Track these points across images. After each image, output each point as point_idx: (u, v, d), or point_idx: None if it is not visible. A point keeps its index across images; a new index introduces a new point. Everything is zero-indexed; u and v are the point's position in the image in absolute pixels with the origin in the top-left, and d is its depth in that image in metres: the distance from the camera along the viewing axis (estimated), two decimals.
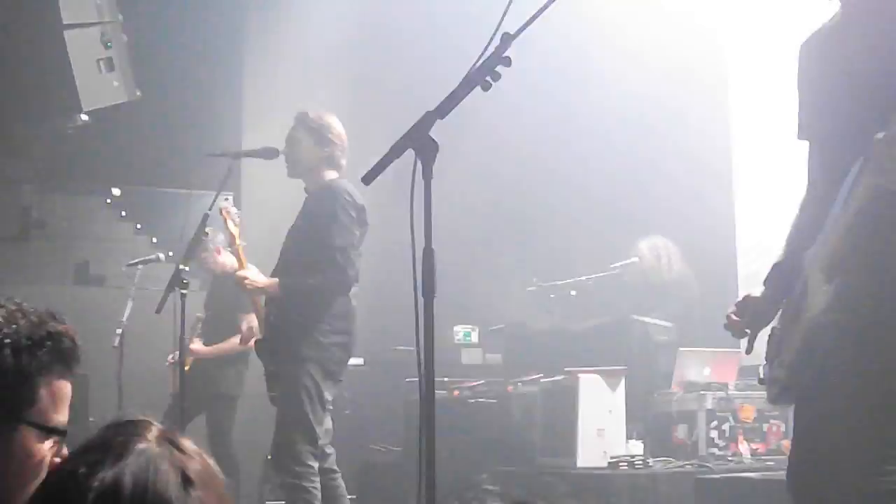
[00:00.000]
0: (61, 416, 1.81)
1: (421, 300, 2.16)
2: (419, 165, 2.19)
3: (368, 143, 4.91)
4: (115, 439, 1.36)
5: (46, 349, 1.79)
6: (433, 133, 2.22)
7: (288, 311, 4.74)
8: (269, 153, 4.84)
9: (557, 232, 8.05)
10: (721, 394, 5.49)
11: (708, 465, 5.22)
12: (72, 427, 1.85)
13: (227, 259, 6.12)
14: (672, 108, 7.46)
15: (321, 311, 4.70)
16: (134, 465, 1.31)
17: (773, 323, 2.81)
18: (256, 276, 4.77)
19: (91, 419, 6.02)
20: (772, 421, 5.47)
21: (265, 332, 4.89)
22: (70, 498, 1.30)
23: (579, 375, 5.68)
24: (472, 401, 6.63)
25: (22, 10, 6.87)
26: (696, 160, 7.44)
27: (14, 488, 1.71)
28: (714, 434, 5.41)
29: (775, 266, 2.74)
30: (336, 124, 4.93)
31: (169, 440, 1.38)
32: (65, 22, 6.26)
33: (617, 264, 6.79)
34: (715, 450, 5.38)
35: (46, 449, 1.77)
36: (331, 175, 4.86)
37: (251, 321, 5.88)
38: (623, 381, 5.71)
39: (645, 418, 5.79)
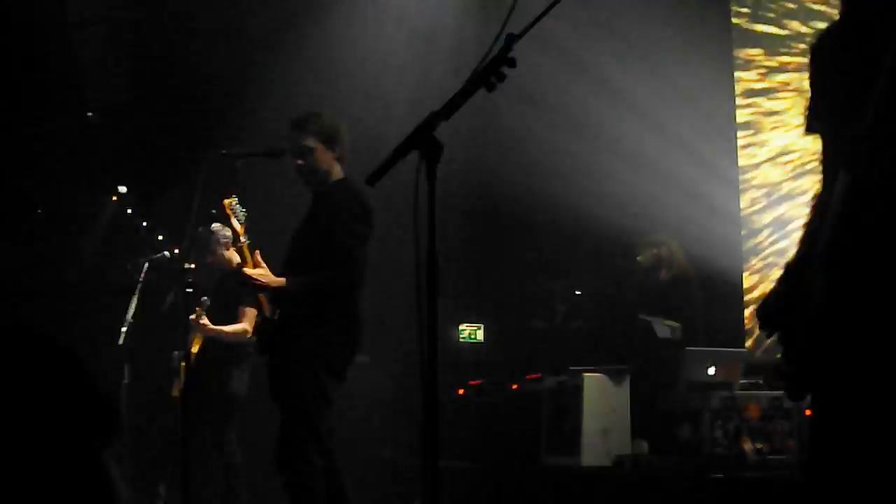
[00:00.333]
0: None
1: (424, 301, 2.16)
2: (423, 166, 2.19)
3: (369, 144, 4.94)
4: None
5: None
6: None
7: (294, 308, 4.74)
8: (274, 152, 4.82)
9: (563, 230, 8.05)
10: (726, 393, 5.49)
11: (712, 464, 5.22)
12: None
13: (233, 255, 6.14)
14: (677, 106, 7.46)
15: (327, 310, 4.70)
16: None
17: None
18: (264, 273, 4.76)
19: None
20: (776, 420, 5.47)
21: (271, 327, 4.89)
22: None
23: (584, 374, 5.69)
24: (477, 399, 6.64)
25: (27, 8, 6.90)
26: (700, 158, 7.44)
27: None
28: (719, 433, 5.41)
29: (787, 265, 2.75)
30: (338, 123, 4.92)
31: None
32: (70, 20, 6.27)
33: (622, 263, 6.80)
34: (720, 449, 5.38)
35: None
36: (337, 175, 4.86)
37: (251, 315, 5.88)
38: (628, 381, 5.71)
39: (649, 417, 5.79)
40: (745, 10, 7.76)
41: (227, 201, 4.76)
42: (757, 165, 7.58)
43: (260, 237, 4.85)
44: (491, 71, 2.22)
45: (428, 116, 2.23)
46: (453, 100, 2.25)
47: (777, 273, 2.84)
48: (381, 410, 7.30)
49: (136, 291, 6.52)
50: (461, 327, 7.72)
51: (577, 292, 7.56)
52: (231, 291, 6.02)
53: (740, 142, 7.68)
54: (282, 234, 4.97)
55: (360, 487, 5.88)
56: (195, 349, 5.96)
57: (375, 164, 2.35)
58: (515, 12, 2.31)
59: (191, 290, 4.79)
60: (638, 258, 6.62)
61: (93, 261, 8.22)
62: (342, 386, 4.79)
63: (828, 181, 2.71)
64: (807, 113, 2.78)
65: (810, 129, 2.76)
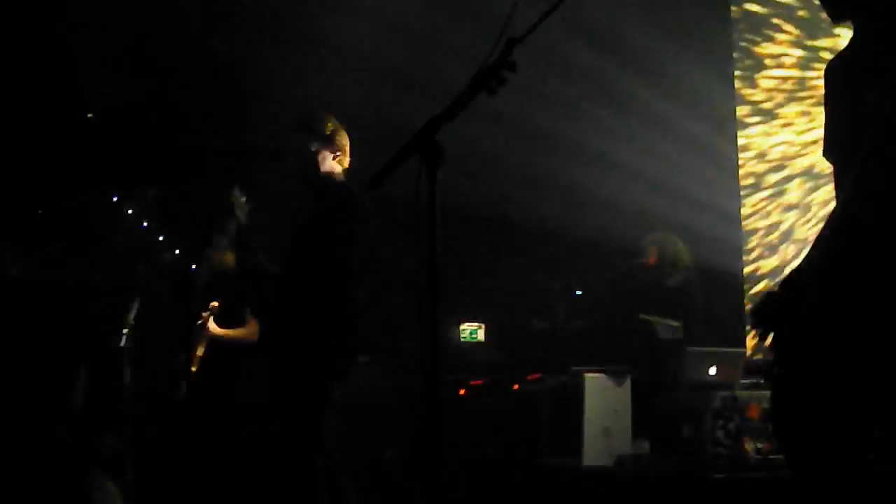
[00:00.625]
0: None
1: (426, 305, 2.16)
2: (425, 170, 2.19)
3: (370, 143, 4.93)
4: None
5: None
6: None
7: (295, 309, 4.75)
8: (274, 154, 4.83)
9: (563, 229, 8.04)
10: (727, 393, 5.49)
11: (714, 464, 5.22)
12: None
13: (232, 258, 6.14)
14: (679, 103, 7.47)
15: (327, 311, 4.70)
16: None
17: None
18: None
19: None
20: None
21: (272, 329, 4.90)
22: None
23: (585, 374, 5.69)
24: (478, 399, 6.64)
25: (28, 9, 6.89)
26: (702, 158, 7.44)
27: None
28: (720, 433, 5.41)
29: (792, 270, 2.76)
30: (339, 125, 4.93)
31: None
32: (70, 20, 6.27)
33: (623, 263, 6.79)
34: (721, 449, 5.38)
35: None
36: (337, 176, 4.86)
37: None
38: (629, 380, 5.71)
39: (651, 417, 5.79)
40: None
41: (231, 194, 4.75)
42: (757, 165, 7.59)
43: (260, 236, 4.86)
44: (492, 75, 2.22)
45: (429, 120, 2.23)
46: (454, 104, 2.26)
47: (776, 272, 2.85)
48: (381, 410, 7.29)
49: (137, 293, 6.51)
50: (462, 327, 7.71)
51: (577, 292, 7.55)
52: (236, 295, 6.04)
53: (741, 141, 7.68)
54: (281, 235, 4.97)
55: (360, 487, 5.88)
56: (200, 352, 5.97)
57: (376, 166, 2.36)
58: (515, 13, 2.31)
59: (192, 291, 4.80)
60: (641, 259, 6.61)
61: (93, 261, 8.22)
62: (345, 387, 4.80)
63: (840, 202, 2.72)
64: (824, 136, 2.80)
65: (826, 153, 2.78)
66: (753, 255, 7.46)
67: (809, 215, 7.02)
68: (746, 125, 7.66)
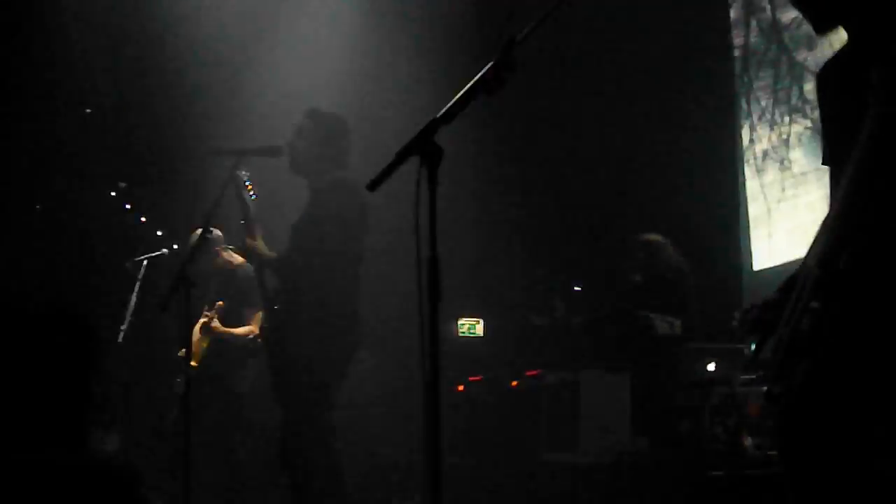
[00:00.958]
0: None
1: (426, 306, 2.15)
2: (424, 172, 2.18)
3: (372, 144, 4.93)
4: None
5: None
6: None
7: (295, 306, 4.75)
8: (272, 151, 4.81)
9: (562, 227, 8.05)
10: (726, 390, 5.49)
11: (712, 460, 5.22)
12: None
13: (232, 256, 6.15)
14: (678, 103, 7.47)
15: (327, 308, 4.70)
16: None
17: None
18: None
19: None
20: None
21: (273, 325, 4.90)
22: None
23: (584, 371, 5.69)
24: (476, 396, 6.65)
25: (28, 5, 6.89)
26: (702, 157, 7.46)
27: None
28: (719, 430, 5.41)
29: (789, 277, 2.75)
30: (343, 122, 4.92)
31: None
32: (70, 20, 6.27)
33: (617, 260, 6.80)
34: (720, 445, 5.38)
35: None
36: (336, 174, 4.85)
37: (257, 317, 5.89)
38: (627, 377, 5.71)
39: (649, 413, 5.79)
40: None
41: (239, 174, 4.72)
42: (758, 165, 7.59)
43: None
44: (492, 75, 2.22)
45: (429, 122, 2.23)
46: (454, 104, 2.25)
47: (777, 269, 2.85)
48: (381, 409, 7.29)
49: (136, 289, 6.51)
50: (460, 321, 7.71)
51: (576, 288, 7.56)
52: (233, 294, 6.04)
53: (743, 141, 7.69)
54: (281, 234, 4.97)
55: (360, 486, 5.89)
56: (201, 349, 5.97)
57: (374, 163, 2.36)
58: (515, 14, 2.31)
59: (190, 287, 4.78)
60: (630, 258, 6.61)
61: (92, 258, 8.22)
62: (344, 384, 4.80)
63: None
64: (823, 143, 2.79)
65: (825, 160, 2.77)
66: (754, 250, 7.47)
67: (811, 215, 7.03)
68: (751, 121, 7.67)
